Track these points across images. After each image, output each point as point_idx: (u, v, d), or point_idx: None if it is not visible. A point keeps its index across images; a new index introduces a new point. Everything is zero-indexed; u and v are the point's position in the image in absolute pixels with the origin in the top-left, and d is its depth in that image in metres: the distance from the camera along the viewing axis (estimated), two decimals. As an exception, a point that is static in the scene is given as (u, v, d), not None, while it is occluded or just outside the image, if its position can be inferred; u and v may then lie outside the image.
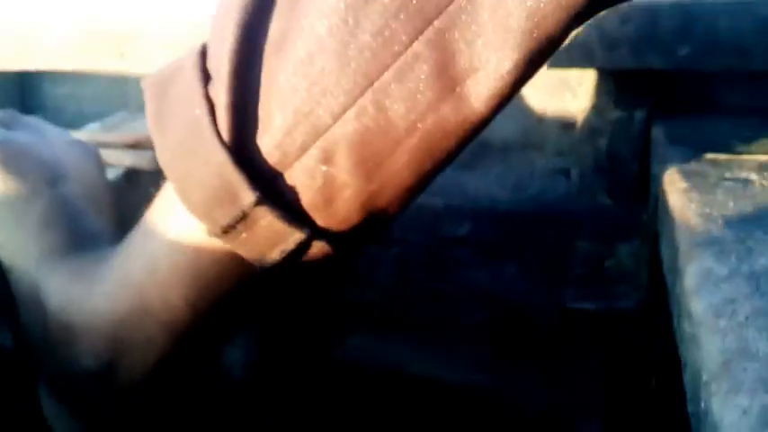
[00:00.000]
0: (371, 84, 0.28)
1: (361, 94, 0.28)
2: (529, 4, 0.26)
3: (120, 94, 1.06)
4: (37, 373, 0.43)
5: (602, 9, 0.30)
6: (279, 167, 0.30)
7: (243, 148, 0.30)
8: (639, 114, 0.71)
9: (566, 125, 0.82)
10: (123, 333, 0.37)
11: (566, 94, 0.81)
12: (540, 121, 0.83)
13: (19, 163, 0.43)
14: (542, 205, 0.78)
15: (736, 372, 0.28)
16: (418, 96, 0.28)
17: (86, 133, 0.64)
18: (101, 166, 0.51)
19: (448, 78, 0.28)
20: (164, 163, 0.33)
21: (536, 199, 0.85)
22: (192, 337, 0.37)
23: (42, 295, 0.40)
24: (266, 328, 1.00)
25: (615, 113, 0.72)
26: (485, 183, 0.88)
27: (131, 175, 0.58)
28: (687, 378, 0.34)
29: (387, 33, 0.27)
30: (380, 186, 0.30)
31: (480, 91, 0.28)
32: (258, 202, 0.30)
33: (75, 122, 1.08)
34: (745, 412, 0.26)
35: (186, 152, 0.31)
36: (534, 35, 0.27)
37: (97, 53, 0.90)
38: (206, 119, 0.30)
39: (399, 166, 0.30)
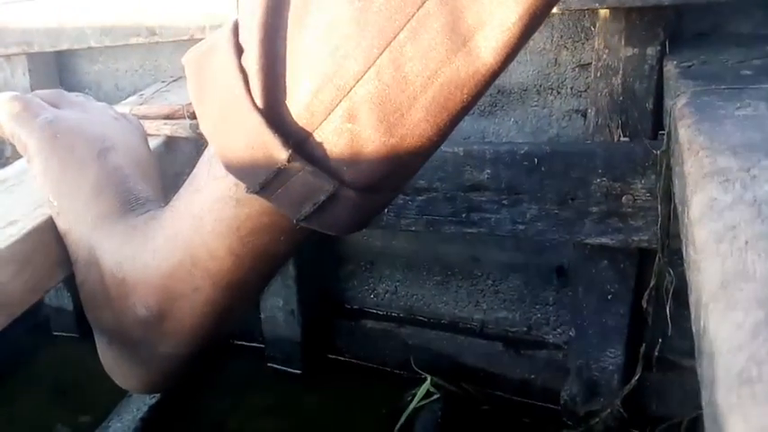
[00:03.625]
0: (388, 44, 0.30)
1: (380, 54, 0.31)
2: None
3: (152, 67, 1.09)
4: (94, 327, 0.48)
5: None
6: (308, 127, 0.33)
7: (275, 112, 0.33)
8: (651, 50, 0.71)
9: (581, 66, 0.82)
10: (173, 283, 0.41)
11: (580, 34, 0.81)
12: (555, 63, 0.84)
13: (69, 138, 0.47)
14: (560, 146, 0.79)
15: (734, 291, 0.31)
16: (432, 53, 0.30)
17: (127, 106, 0.67)
18: (144, 136, 0.54)
19: (458, 34, 0.30)
20: (205, 130, 0.36)
21: (554, 140, 0.87)
22: (234, 285, 0.41)
23: (98, 254, 0.44)
24: (303, 275, 1.04)
25: (628, 51, 0.72)
26: (504, 128, 0.90)
27: (170, 143, 0.62)
28: (692, 301, 0.36)
29: None
30: (401, 139, 0.33)
31: (489, 44, 0.30)
32: (291, 159, 0.32)
33: (113, 96, 1.12)
34: (739, 327, 0.28)
35: (225, 119, 0.34)
36: None
37: (129, 29, 0.93)
38: (240, 87, 0.33)
39: (418, 120, 0.32)
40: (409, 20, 0.30)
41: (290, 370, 1.10)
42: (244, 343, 1.17)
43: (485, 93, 0.34)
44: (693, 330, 0.34)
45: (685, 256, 0.42)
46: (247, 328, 1.14)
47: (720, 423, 0.25)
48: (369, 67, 0.31)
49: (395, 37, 0.30)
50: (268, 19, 0.32)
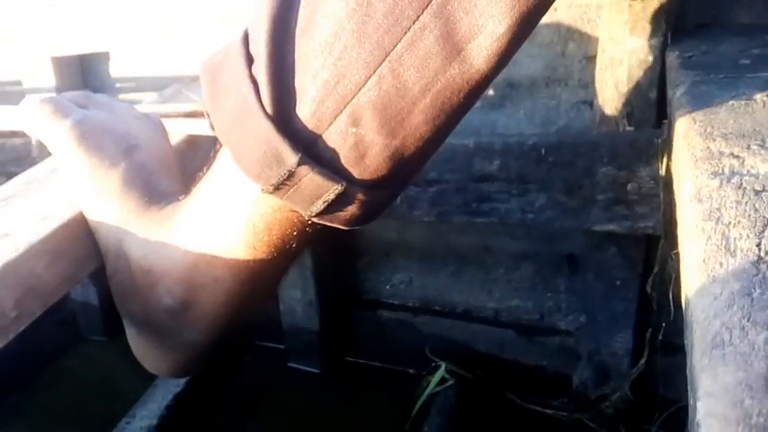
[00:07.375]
0: (387, 55, 0.33)
1: (379, 64, 0.33)
2: None
3: (172, 67, 1.12)
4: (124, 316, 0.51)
5: None
6: (316, 132, 0.35)
7: (284, 118, 0.35)
8: (655, 42, 0.73)
9: (588, 58, 0.84)
10: (195, 275, 0.44)
11: (586, 26, 0.83)
12: (563, 55, 0.86)
13: (97, 138, 0.49)
14: (566, 137, 0.81)
15: (714, 265, 0.33)
16: (428, 62, 0.33)
17: (149, 106, 0.69)
18: (165, 135, 0.57)
19: (452, 44, 0.33)
20: (220, 135, 0.38)
21: (563, 131, 0.89)
22: (253, 276, 0.44)
23: (126, 247, 0.47)
24: (320, 267, 1.06)
25: (632, 43, 0.74)
26: (514, 120, 0.92)
27: (191, 141, 0.64)
28: (682, 280, 0.38)
29: (396, 11, 0.32)
30: (403, 141, 0.35)
31: (482, 52, 0.33)
32: (301, 162, 0.35)
33: (134, 96, 1.15)
34: (715, 298, 0.31)
35: (238, 125, 0.37)
36: (523, 1, 0.32)
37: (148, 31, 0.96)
38: (252, 96, 0.35)
39: (418, 123, 0.35)
40: (406, 32, 0.33)
41: (306, 364, 1.14)
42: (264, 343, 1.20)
43: (481, 95, 0.36)
44: (683, 306, 0.37)
45: (679, 239, 0.44)
46: (267, 327, 1.18)
47: (694, 383, 0.27)
48: (369, 77, 0.34)
49: (393, 48, 0.33)
50: (275, 34, 0.35)
